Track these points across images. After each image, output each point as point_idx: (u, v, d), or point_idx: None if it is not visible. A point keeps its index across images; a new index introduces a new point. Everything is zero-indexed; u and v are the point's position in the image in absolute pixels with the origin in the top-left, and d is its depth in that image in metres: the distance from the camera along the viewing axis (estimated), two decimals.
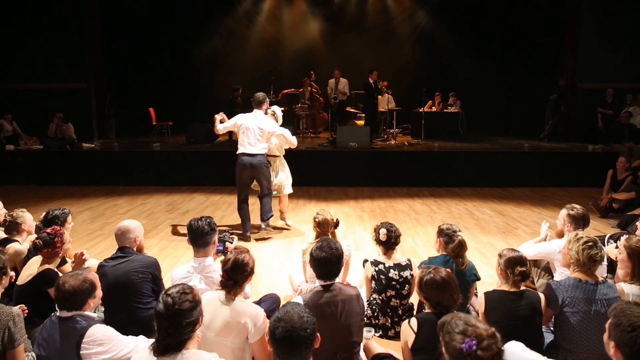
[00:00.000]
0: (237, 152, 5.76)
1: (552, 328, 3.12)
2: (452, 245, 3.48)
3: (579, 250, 2.89)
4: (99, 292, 2.65)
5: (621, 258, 3.17)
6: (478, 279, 3.58)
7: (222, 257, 3.26)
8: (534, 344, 2.74)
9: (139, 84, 13.05)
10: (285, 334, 1.97)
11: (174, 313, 2.09)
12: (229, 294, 2.71)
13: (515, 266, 2.91)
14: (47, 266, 3.25)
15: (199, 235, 3.26)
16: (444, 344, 1.88)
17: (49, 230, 3.33)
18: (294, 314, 2.03)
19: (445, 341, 1.87)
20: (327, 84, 11.84)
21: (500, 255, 3.04)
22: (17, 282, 3.27)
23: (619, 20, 10.95)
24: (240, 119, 5.79)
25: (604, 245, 3.88)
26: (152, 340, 2.73)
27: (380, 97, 11.66)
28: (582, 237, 2.95)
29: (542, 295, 2.94)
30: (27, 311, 2.93)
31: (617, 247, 3.66)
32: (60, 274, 3.18)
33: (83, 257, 3.53)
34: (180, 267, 3.39)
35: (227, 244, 3.66)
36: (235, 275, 2.72)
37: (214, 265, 3.26)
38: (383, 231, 3.64)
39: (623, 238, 3.43)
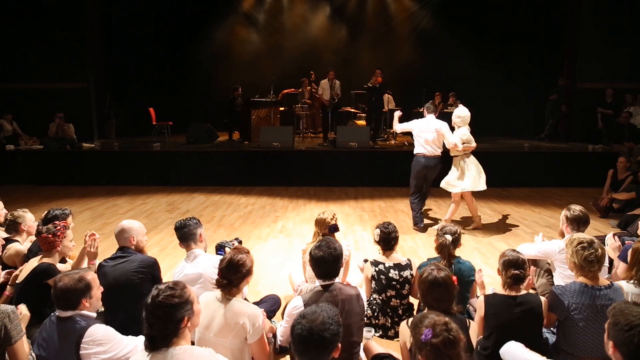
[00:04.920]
0: (415, 152, 6.29)
1: (552, 329, 3.10)
2: (435, 246, 3.48)
3: (573, 253, 2.86)
4: (95, 293, 2.59)
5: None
6: None
7: None
8: (535, 346, 2.73)
9: (139, 84, 13.05)
10: (301, 331, 1.94)
11: (157, 305, 2.07)
12: (224, 294, 2.69)
13: (509, 268, 2.88)
14: (45, 260, 3.26)
15: (180, 230, 3.44)
16: (412, 339, 2.01)
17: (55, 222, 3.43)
18: (319, 316, 1.97)
19: (413, 335, 2.01)
20: (320, 84, 11.29)
21: (500, 255, 3.03)
22: (17, 282, 3.28)
23: (619, 21, 10.95)
24: (416, 123, 6.31)
25: (605, 246, 3.85)
26: None
27: (387, 95, 11.59)
28: (575, 239, 2.91)
29: (543, 299, 2.90)
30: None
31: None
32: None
33: (94, 238, 3.51)
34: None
35: (227, 249, 3.66)
36: (229, 275, 2.69)
37: (203, 255, 3.41)
38: (377, 231, 3.66)
39: (609, 236, 3.42)
